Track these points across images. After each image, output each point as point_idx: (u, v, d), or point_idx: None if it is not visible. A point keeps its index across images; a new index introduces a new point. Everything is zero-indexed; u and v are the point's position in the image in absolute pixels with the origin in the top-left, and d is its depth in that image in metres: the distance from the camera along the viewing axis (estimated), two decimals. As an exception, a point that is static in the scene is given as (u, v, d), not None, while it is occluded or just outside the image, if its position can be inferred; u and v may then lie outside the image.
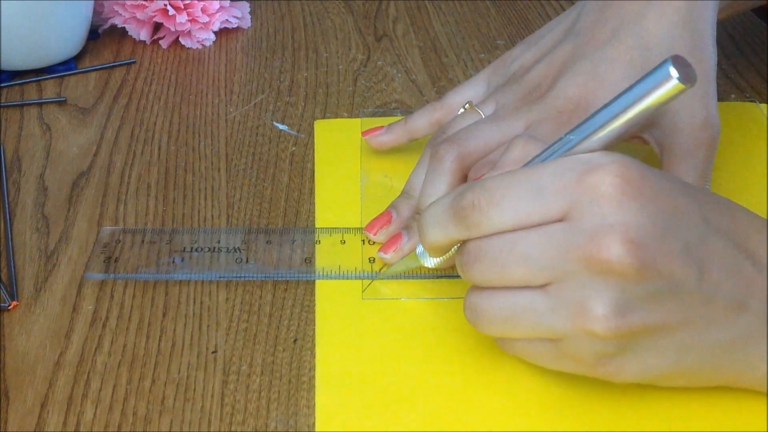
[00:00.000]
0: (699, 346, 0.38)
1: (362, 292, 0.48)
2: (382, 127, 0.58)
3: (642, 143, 0.52)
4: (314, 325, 0.46)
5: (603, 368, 0.38)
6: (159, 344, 0.45)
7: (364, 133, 0.58)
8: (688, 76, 0.36)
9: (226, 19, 0.74)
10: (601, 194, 0.36)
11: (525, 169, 0.39)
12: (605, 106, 0.38)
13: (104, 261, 0.49)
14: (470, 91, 0.56)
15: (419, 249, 0.45)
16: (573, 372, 0.40)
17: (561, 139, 0.40)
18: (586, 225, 0.37)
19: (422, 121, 0.56)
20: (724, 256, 0.38)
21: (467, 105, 0.54)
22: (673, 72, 0.36)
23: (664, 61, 0.36)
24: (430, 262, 0.45)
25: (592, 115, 0.39)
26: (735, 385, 0.41)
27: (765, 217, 0.40)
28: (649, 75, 0.37)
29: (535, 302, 0.38)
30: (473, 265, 0.39)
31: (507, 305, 0.39)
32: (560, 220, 0.37)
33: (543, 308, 0.38)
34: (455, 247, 0.42)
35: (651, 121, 0.50)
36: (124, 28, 0.73)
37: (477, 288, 0.40)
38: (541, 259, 0.37)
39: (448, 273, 0.49)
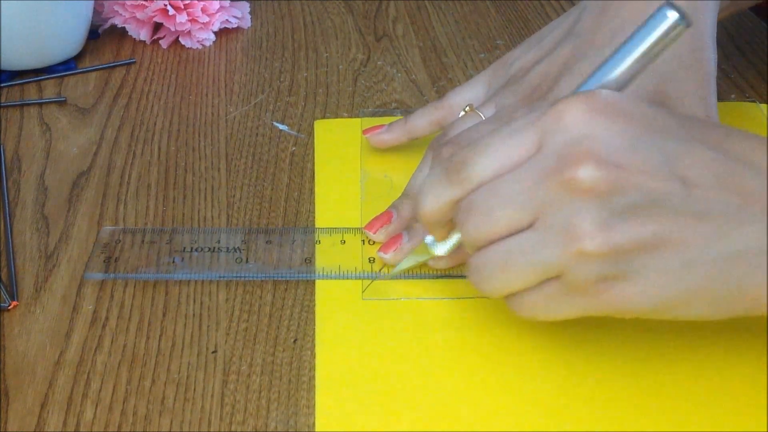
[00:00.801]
0: (702, 262, 0.37)
1: (362, 292, 0.48)
2: (383, 125, 0.58)
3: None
4: (314, 325, 0.46)
5: (607, 294, 0.38)
6: (159, 344, 0.45)
7: (365, 131, 0.58)
8: (685, 18, 0.38)
9: (226, 19, 0.74)
10: (567, 119, 0.37)
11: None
12: (610, 55, 0.40)
13: (104, 261, 0.49)
14: (470, 91, 0.56)
15: (428, 239, 0.45)
16: (585, 312, 0.39)
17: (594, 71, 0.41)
18: (555, 150, 0.37)
19: (422, 121, 0.57)
20: (712, 167, 0.37)
21: (468, 107, 0.54)
22: (671, 13, 0.38)
23: (661, 6, 0.38)
24: (440, 249, 0.45)
25: (599, 66, 0.40)
26: (757, 309, 0.39)
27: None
28: (648, 19, 0.39)
29: (525, 241, 0.38)
30: (466, 221, 0.40)
31: (501, 252, 0.39)
32: (534, 154, 0.38)
33: (534, 244, 0.38)
34: (455, 236, 0.43)
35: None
36: (124, 28, 0.73)
37: (476, 251, 0.40)
38: (521, 195, 0.38)
39: (448, 273, 0.49)
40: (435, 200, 0.42)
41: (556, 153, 0.37)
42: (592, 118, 0.37)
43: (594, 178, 0.36)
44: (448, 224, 0.43)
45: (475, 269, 0.41)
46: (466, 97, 0.56)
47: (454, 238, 0.44)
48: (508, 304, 0.41)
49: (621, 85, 0.40)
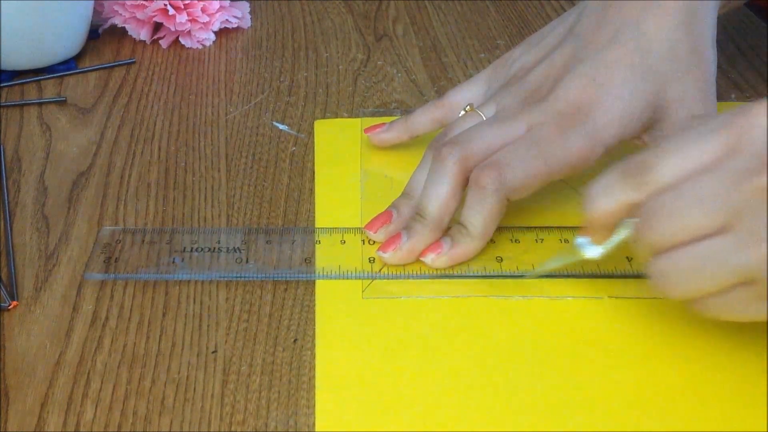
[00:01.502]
0: None
1: (362, 291, 0.48)
2: (384, 124, 0.58)
3: (642, 144, 0.52)
4: (314, 325, 0.46)
5: None
6: (159, 344, 0.45)
7: (366, 130, 0.59)
8: None
9: (226, 19, 0.74)
10: (761, 121, 0.37)
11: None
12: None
13: (104, 261, 0.49)
14: (471, 90, 0.56)
15: (580, 240, 0.45)
16: None
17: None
18: (753, 153, 0.36)
19: (423, 119, 0.57)
20: None
21: (468, 107, 0.54)
22: None
23: None
24: (594, 251, 0.44)
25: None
26: None
27: None
28: None
29: (719, 245, 0.37)
30: (651, 223, 0.39)
31: (692, 257, 0.38)
32: (727, 156, 0.37)
33: (729, 248, 0.37)
34: (614, 238, 0.43)
35: (651, 122, 0.50)
36: (124, 27, 0.73)
37: (658, 254, 0.40)
38: (713, 198, 0.37)
39: (448, 273, 0.49)
40: (611, 200, 0.41)
41: (755, 156, 0.37)
42: None
43: None
44: (611, 228, 0.43)
45: (661, 275, 0.40)
46: (467, 96, 0.56)
47: (614, 241, 0.43)
48: (695, 306, 0.41)
49: None
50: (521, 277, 0.48)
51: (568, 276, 0.48)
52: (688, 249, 0.38)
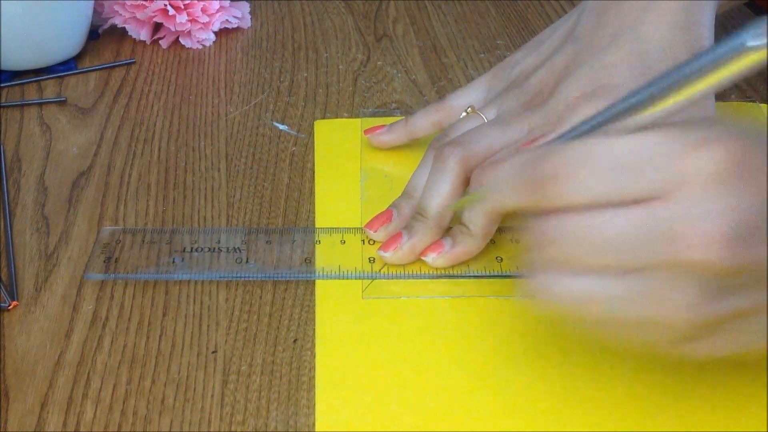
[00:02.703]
0: None
1: (363, 291, 0.48)
2: (384, 126, 0.58)
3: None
4: (314, 325, 0.46)
5: (687, 347, 0.36)
6: (159, 344, 0.45)
7: (366, 132, 0.59)
8: None
9: (226, 19, 0.74)
10: (701, 179, 0.33)
11: (613, 139, 0.34)
12: (678, 67, 0.34)
13: (104, 261, 0.49)
14: (471, 94, 0.56)
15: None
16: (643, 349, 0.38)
17: (625, 97, 0.36)
18: (681, 214, 0.33)
19: (423, 122, 0.57)
20: None
21: (469, 109, 0.54)
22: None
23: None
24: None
25: (664, 75, 0.35)
26: None
27: None
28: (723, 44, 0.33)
29: (611, 289, 0.35)
30: (550, 245, 0.36)
31: (582, 289, 0.36)
32: (648, 201, 0.34)
33: (620, 296, 0.35)
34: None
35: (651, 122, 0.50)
36: (124, 28, 0.73)
37: (547, 267, 0.37)
38: (626, 246, 0.34)
39: (448, 273, 0.49)
40: (511, 202, 0.37)
41: (682, 220, 0.33)
42: (726, 185, 0.33)
43: (717, 259, 0.33)
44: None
45: (546, 291, 0.37)
46: (467, 100, 0.56)
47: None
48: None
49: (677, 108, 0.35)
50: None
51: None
52: (581, 279, 0.36)
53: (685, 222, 0.33)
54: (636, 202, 0.34)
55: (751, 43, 0.30)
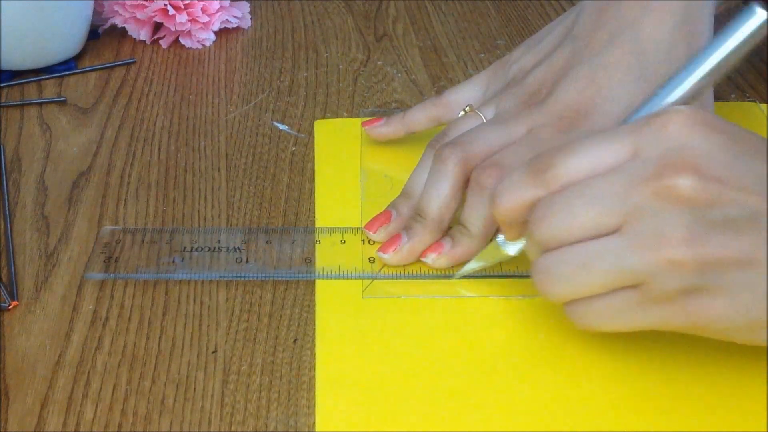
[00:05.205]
0: None
1: (362, 291, 0.48)
2: (382, 118, 0.58)
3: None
4: (314, 325, 0.46)
5: (692, 306, 0.37)
6: (159, 344, 0.45)
7: (364, 124, 0.59)
8: None
9: (226, 19, 0.74)
10: (670, 128, 0.37)
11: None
12: (694, 57, 0.40)
13: (104, 261, 0.49)
14: (469, 91, 0.56)
15: (500, 238, 0.45)
16: (658, 324, 0.39)
17: (653, 92, 0.41)
18: (653, 156, 0.37)
19: (420, 116, 0.57)
20: None
21: (468, 108, 0.54)
22: (761, 13, 0.38)
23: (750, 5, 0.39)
24: (512, 249, 0.44)
25: (684, 67, 0.40)
26: None
27: None
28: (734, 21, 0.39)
29: (609, 244, 0.38)
30: (543, 219, 0.39)
31: (580, 254, 0.38)
32: (629, 160, 0.38)
33: (619, 248, 0.37)
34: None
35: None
36: (124, 28, 0.73)
37: (546, 249, 0.40)
38: (610, 198, 0.37)
39: (448, 273, 0.49)
40: (514, 198, 0.41)
41: (656, 160, 0.37)
42: (694, 130, 0.37)
43: (693, 189, 0.36)
44: (523, 224, 0.42)
45: (544, 270, 0.40)
46: (465, 96, 0.56)
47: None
48: (569, 311, 0.40)
49: (688, 99, 0.40)
50: (451, 277, 0.48)
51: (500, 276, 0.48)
52: (577, 247, 0.39)
53: (661, 159, 0.37)
54: (615, 163, 0.38)
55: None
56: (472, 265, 0.47)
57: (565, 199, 0.39)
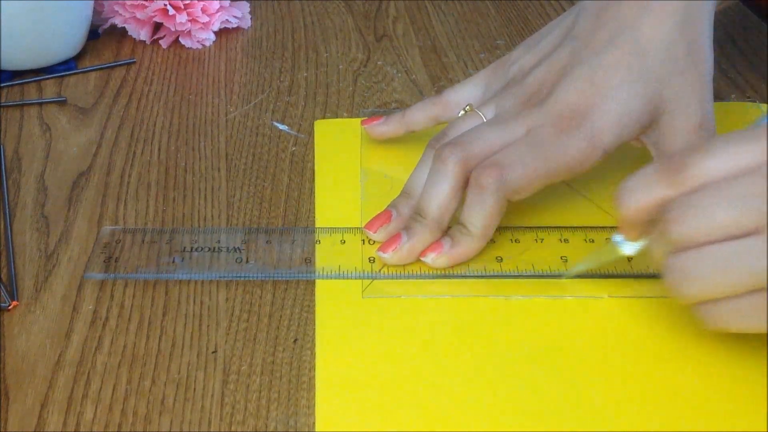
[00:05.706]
0: None
1: (362, 291, 0.48)
2: (381, 117, 0.58)
3: (639, 144, 0.52)
4: (314, 325, 0.46)
5: None
6: (159, 344, 0.45)
7: (363, 122, 0.59)
8: None
9: (226, 19, 0.74)
10: None
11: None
12: None
13: (104, 261, 0.49)
14: (468, 90, 0.56)
15: (617, 238, 0.44)
16: None
17: None
18: None
19: (420, 115, 0.57)
20: None
21: (468, 107, 0.54)
22: None
23: None
24: (630, 249, 0.44)
25: None
26: None
27: None
28: None
29: (746, 247, 0.37)
30: (680, 218, 0.39)
31: (719, 255, 0.38)
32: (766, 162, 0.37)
33: (756, 251, 0.37)
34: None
35: (649, 123, 0.50)
36: (124, 28, 0.73)
37: (680, 251, 0.39)
38: (750, 199, 0.37)
39: (448, 273, 0.49)
40: (644, 197, 0.41)
41: None
42: None
43: None
44: (646, 224, 0.42)
45: (680, 270, 0.39)
46: (464, 96, 0.56)
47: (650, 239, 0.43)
48: (704, 311, 0.40)
49: None
50: (558, 276, 0.48)
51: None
52: (714, 248, 0.38)
53: None
54: (756, 165, 0.38)
55: None
56: (585, 265, 0.47)
57: (704, 199, 0.38)
